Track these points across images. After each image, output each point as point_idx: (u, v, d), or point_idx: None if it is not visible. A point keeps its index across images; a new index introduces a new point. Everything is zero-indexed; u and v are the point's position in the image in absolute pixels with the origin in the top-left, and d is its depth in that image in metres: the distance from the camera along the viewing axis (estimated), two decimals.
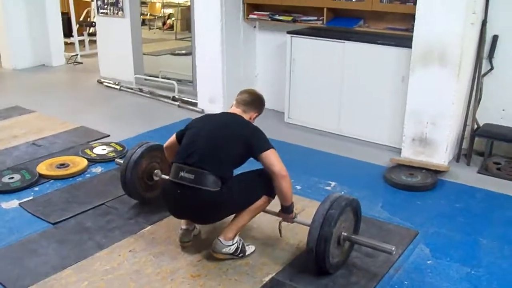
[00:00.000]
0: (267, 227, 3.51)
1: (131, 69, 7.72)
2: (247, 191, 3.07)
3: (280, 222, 3.27)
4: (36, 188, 4.19)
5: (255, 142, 3.03)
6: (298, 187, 4.22)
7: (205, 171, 2.95)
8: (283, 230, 3.34)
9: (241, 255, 3.17)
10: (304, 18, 5.67)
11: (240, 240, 3.18)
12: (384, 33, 5.18)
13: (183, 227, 3.30)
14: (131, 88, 7.32)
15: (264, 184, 3.07)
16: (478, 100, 4.73)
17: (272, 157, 3.00)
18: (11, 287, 2.93)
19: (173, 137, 3.37)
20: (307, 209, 3.78)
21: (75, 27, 9.75)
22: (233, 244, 3.12)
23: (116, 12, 7.74)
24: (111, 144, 5.08)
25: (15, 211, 3.83)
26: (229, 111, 3.33)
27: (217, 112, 3.51)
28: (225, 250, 3.11)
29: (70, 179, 4.37)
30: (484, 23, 4.57)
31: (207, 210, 3.04)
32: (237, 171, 3.15)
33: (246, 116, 3.27)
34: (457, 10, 4.20)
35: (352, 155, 4.95)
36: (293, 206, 3.17)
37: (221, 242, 3.10)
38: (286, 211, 3.16)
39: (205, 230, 3.48)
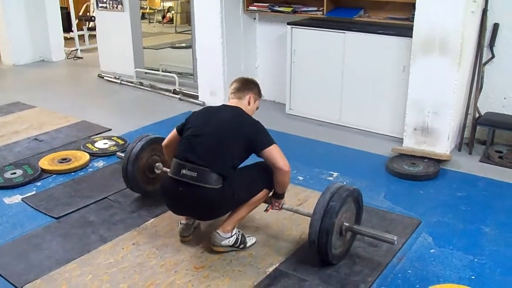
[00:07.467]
0: (269, 218, 3.52)
1: (132, 63, 7.71)
2: (248, 186, 3.07)
3: (266, 211, 3.31)
4: (39, 183, 4.20)
5: (257, 138, 3.00)
6: (301, 178, 4.23)
7: (208, 169, 2.93)
8: (286, 221, 3.43)
9: (241, 246, 3.18)
10: (304, 8, 5.65)
11: (239, 231, 3.19)
12: (385, 23, 5.16)
13: (183, 221, 3.30)
14: (132, 82, 7.32)
15: (264, 177, 3.07)
16: (479, 89, 4.72)
17: (274, 153, 2.97)
18: (16, 282, 2.93)
19: (173, 132, 3.29)
20: (309, 200, 3.79)
21: (74, 22, 9.73)
22: (232, 236, 3.12)
23: (116, 6, 7.72)
24: (112, 138, 5.09)
25: (18, 206, 3.83)
26: (227, 103, 3.29)
27: (218, 104, 3.49)
28: (224, 242, 3.11)
29: (72, 173, 4.37)
30: (484, 11, 4.55)
31: (209, 207, 3.03)
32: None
33: (243, 103, 3.22)
34: None
35: (354, 145, 4.95)
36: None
37: (219, 235, 3.11)
38: (279, 197, 3.19)
39: (205, 223, 3.47)
